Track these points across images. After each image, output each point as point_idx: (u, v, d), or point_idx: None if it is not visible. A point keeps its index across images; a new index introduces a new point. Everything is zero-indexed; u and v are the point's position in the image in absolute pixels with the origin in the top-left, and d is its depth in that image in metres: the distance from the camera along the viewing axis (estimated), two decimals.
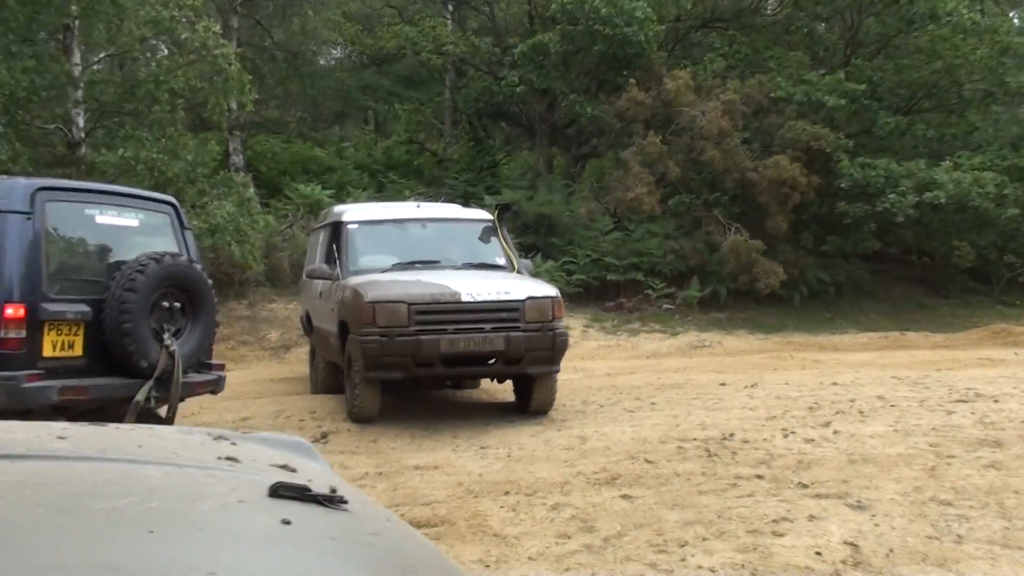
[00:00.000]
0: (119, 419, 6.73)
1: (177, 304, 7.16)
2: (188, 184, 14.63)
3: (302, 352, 14.76)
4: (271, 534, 1.13)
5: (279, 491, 1.28)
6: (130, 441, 1.51)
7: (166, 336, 7.01)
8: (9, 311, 6.37)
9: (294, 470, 1.53)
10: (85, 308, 6.78)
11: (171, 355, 6.98)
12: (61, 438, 1.45)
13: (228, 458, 1.50)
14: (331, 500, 1.29)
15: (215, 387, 7.75)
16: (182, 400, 7.26)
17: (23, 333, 6.41)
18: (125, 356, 6.83)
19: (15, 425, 1.75)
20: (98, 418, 6.86)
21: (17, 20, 13.96)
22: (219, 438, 1.69)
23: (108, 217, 7.27)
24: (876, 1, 21.41)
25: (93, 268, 7.16)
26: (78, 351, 6.77)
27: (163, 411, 7.42)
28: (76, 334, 6.75)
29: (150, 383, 6.86)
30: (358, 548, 1.21)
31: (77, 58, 15.28)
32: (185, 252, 7.55)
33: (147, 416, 7.29)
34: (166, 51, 15.34)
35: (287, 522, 1.15)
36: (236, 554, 1.08)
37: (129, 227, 7.43)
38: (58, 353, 6.64)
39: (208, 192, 14.93)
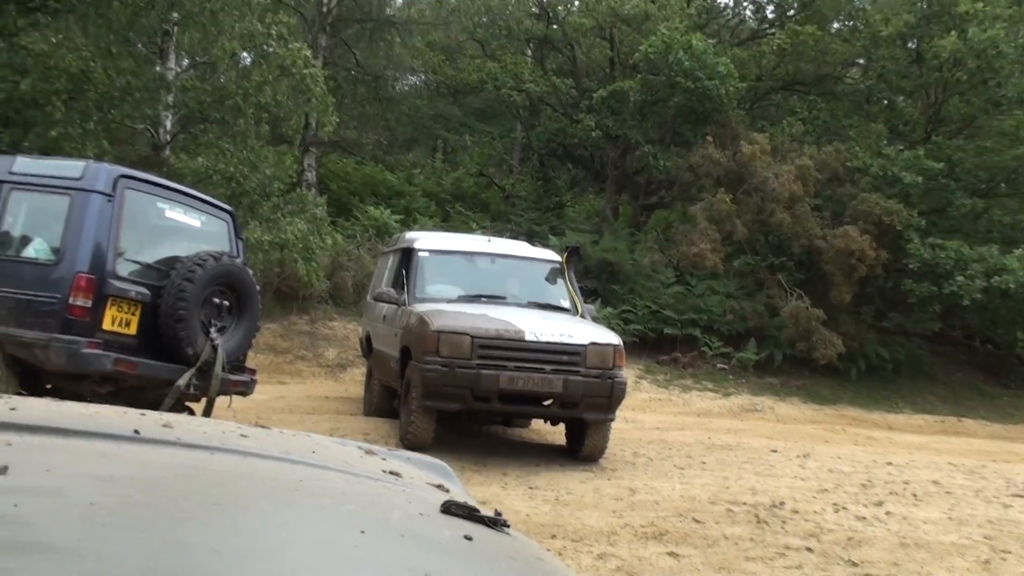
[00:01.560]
0: (158, 401, 7.05)
1: (226, 303, 7.57)
2: (263, 199, 14.90)
3: (358, 373, 14.90)
4: (460, 547, 1.20)
5: (451, 509, 1.35)
6: (302, 446, 1.60)
7: (212, 330, 7.40)
8: (82, 281, 6.81)
9: (447, 490, 1.61)
10: (145, 291, 7.22)
11: (214, 348, 7.36)
12: (244, 436, 1.54)
13: (392, 472, 1.59)
14: (496, 523, 1.36)
15: (246, 389, 8.06)
16: (218, 396, 7.56)
17: (89, 303, 6.84)
18: (174, 341, 7.21)
19: (197, 420, 1.88)
20: (139, 398, 7.17)
21: (120, 21, 14.39)
22: (369, 452, 1.78)
23: (176, 213, 7.77)
24: (963, 80, 21.21)
25: (156, 256, 7.54)
26: (132, 330, 7.16)
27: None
28: (133, 313, 7.16)
29: (192, 371, 7.23)
30: (532, 572, 1.27)
31: (172, 62, 15.67)
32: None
33: (182, 404, 7.62)
34: (249, 61, 15.65)
35: (469, 538, 1.22)
36: (442, 561, 1.15)
37: (192, 226, 7.91)
38: (115, 328, 7.04)
39: (281, 208, 15.19)
